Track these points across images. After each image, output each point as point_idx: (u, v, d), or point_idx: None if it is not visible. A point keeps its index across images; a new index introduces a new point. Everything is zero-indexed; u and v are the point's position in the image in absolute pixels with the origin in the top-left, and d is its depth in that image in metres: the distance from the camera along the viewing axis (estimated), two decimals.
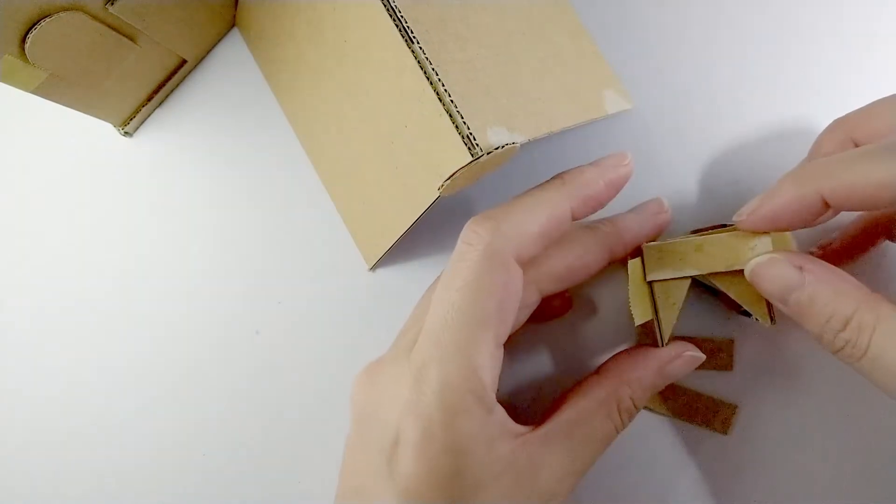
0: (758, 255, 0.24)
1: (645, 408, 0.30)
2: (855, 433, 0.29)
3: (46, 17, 0.24)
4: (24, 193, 0.33)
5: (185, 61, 0.32)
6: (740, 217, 0.25)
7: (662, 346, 0.26)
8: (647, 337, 0.28)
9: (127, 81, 0.30)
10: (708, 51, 0.33)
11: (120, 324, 0.32)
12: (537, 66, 0.28)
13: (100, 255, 0.33)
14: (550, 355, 0.31)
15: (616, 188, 0.25)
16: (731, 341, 0.30)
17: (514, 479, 0.22)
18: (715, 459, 0.30)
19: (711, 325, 0.30)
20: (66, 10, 0.25)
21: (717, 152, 0.32)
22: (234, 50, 0.33)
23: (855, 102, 0.26)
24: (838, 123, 0.26)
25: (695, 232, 0.30)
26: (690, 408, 0.30)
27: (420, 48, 0.23)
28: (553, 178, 0.25)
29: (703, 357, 0.27)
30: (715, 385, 0.30)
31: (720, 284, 0.25)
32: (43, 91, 0.27)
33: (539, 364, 0.31)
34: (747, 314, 0.27)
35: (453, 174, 0.23)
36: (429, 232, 0.31)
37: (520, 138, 0.24)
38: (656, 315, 0.26)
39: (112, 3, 0.26)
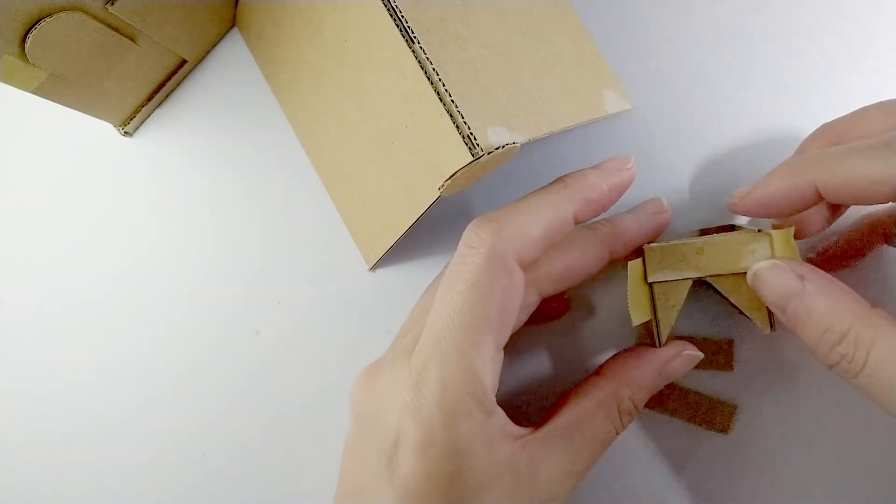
0: (757, 260, 0.24)
1: (645, 407, 0.30)
2: (855, 433, 0.29)
3: (46, 17, 0.24)
4: (24, 193, 0.33)
5: (185, 61, 0.32)
6: (732, 200, 0.25)
7: (660, 346, 0.26)
8: (648, 336, 0.28)
9: (127, 81, 0.30)
10: (708, 51, 0.33)
11: (120, 324, 0.32)
12: (537, 66, 0.28)
13: (100, 255, 0.33)
14: (549, 356, 0.31)
15: (619, 192, 0.25)
16: (731, 341, 0.30)
17: (513, 481, 0.22)
18: (715, 459, 0.30)
19: (711, 325, 0.30)
20: (66, 10, 0.25)
21: (717, 152, 0.32)
22: (234, 50, 0.33)
23: (855, 103, 0.26)
24: (825, 128, 0.27)
25: (702, 231, 0.30)
26: (690, 408, 0.30)
27: (420, 48, 0.23)
28: (555, 180, 0.25)
29: (702, 355, 0.27)
30: (715, 385, 0.30)
31: (721, 288, 0.25)
32: (43, 91, 0.27)
33: (538, 364, 0.31)
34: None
35: (454, 174, 0.23)
36: (429, 232, 0.31)
37: (520, 138, 0.24)
38: (655, 316, 0.26)
39: (112, 3, 0.26)
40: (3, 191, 0.33)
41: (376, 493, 0.23)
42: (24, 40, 0.24)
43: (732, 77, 0.32)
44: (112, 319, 0.32)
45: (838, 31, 0.32)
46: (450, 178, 0.23)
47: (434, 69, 0.23)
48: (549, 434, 0.24)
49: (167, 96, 0.33)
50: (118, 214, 0.33)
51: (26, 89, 0.26)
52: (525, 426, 0.24)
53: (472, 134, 0.22)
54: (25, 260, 0.33)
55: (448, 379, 0.22)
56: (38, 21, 0.24)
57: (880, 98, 0.26)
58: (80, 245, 0.33)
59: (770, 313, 0.25)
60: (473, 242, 0.23)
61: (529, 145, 0.25)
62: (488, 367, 0.22)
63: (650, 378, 0.26)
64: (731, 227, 0.29)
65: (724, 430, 0.29)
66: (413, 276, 0.32)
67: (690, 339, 0.30)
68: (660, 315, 0.26)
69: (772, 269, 0.24)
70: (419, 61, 0.23)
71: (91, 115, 0.31)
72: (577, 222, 0.24)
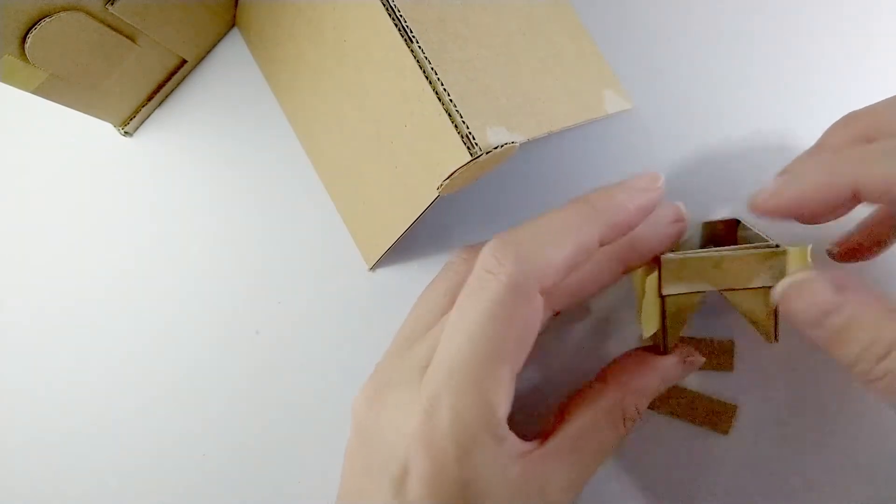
0: (774, 277, 0.23)
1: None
2: (855, 433, 0.29)
3: (46, 17, 0.24)
4: (24, 193, 0.33)
5: (185, 61, 0.32)
6: (756, 199, 0.23)
7: (665, 352, 0.26)
8: (651, 339, 0.28)
9: (127, 81, 0.30)
10: (708, 51, 0.33)
11: (120, 324, 0.32)
12: (537, 66, 0.28)
13: (100, 255, 0.33)
14: (549, 360, 0.31)
15: (646, 213, 0.23)
16: (732, 342, 0.30)
17: (524, 499, 0.22)
18: (715, 459, 0.30)
19: (712, 325, 0.30)
20: (66, 10, 0.25)
21: (716, 152, 0.32)
22: (234, 50, 0.33)
23: (855, 103, 0.26)
24: (852, 117, 0.25)
25: (707, 225, 0.30)
26: (690, 408, 0.30)
27: (420, 48, 0.23)
28: (579, 200, 0.23)
29: (703, 360, 0.27)
30: (715, 385, 0.30)
31: (731, 300, 0.25)
32: (43, 91, 0.27)
33: (538, 368, 0.31)
34: None
35: (453, 173, 0.23)
36: (428, 232, 0.31)
37: (519, 138, 0.24)
38: (664, 325, 0.26)
39: (112, 3, 0.26)
40: (3, 191, 0.33)
41: None
42: (24, 40, 0.24)
43: (732, 77, 0.32)
44: (112, 319, 0.32)
45: (838, 31, 0.32)
46: (449, 178, 0.23)
47: (433, 69, 0.23)
48: (557, 447, 0.23)
49: (167, 96, 0.33)
50: (118, 214, 0.33)
51: (26, 89, 0.26)
52: (524, 428, 0.24)
53: (470, 133, 0.22)
54: (25, 260, 0.33)
55: (462, 411, 0.21)
56: (38, 21, 0.24)
57: (880, 98, 0.25)
58: (80, 245, 0.33)
59: (776, 323, 0.25)
60: (492, 267, 0.21)
61: (529, 145, 0.25)
62: (503, 399, 0.21)
63: (655, 385, 0.25)
64: (736, 222, 0.29)
65: (724, 430, 0.29)
66: (413, 276, 0.32)
67: (691, 340, 0.30)
68: (669, 325, 0.25)
69: (806, 283, 0.22)
70: (418, 61, 0.23)
71: (91, 115, 0.31)
72: (601, 245, 0.23)
